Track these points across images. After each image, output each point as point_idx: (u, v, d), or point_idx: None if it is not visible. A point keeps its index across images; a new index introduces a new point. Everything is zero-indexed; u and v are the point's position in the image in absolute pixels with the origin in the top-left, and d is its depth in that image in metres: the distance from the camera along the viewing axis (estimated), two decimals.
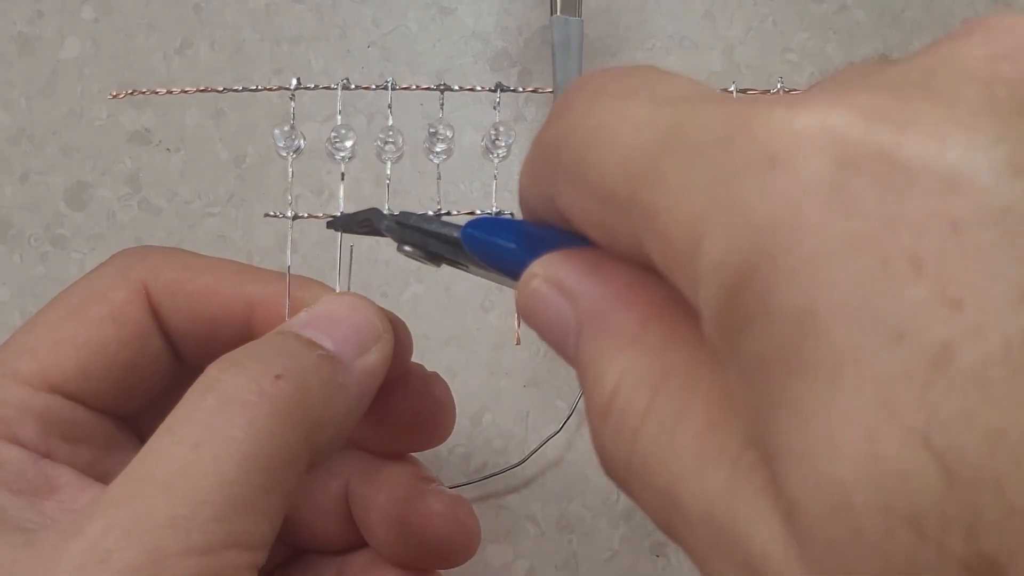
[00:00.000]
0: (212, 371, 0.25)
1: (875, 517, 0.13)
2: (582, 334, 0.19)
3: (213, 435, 0.24)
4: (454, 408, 0.34)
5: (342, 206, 0.29)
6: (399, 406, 0.31)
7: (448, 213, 0.29)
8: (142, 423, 0.30)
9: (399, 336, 0.29)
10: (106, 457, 0.29)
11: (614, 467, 0.18)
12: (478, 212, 0.30)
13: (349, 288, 0.30)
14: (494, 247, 0.23)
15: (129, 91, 0.31)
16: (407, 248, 0.27)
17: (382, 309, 0.29)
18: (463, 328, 0.45)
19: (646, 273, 0.18)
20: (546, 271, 0.20)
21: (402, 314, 0.45)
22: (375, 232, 0.28)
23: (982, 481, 0.12)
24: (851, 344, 0.13)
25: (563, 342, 0.20)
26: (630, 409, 0.17)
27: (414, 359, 0.44)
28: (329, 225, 0.30)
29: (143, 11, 0.48)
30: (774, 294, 0.14)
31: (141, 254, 0.30)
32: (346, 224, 0.29)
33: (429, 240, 0.26)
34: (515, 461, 0.43)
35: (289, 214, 0.30)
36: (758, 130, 0.14)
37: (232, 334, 0.30)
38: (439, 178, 0.29)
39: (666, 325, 0.18)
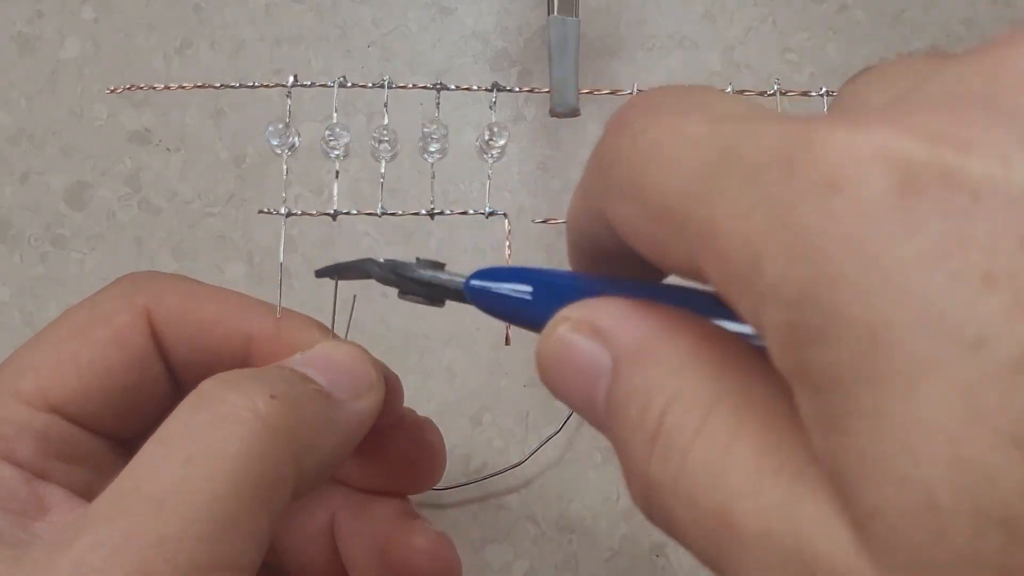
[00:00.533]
0: (207, 386, 0.25)
1: (963, 519, 0.12)
2: (620, 371, 0.19)
3: (205, 450, 0.24)
4: (444, 454, 0.34)
5: (336, 204, 0.29)
6: (390, 450, 0.32)
7: (442, 212, 0.29)
8: (138, 447, 0.30)
9: (391, 386, 0.30)
10: (102, 479, 0.28)
11: (658, 493, 0.17)
12: (471, 212, 0.30)
13: (347, 335, 0.31)
14: (505, 300, 0.23)
15: (127, 86, 0.31)
16: (409, 296, 0.27)
17: (376, 360, 0.29)
18: (463, 328, 0.45)
19: (683, 314, 0.18)
20: (579, 314, 0.19)
21: (402, 314, 0.45)
22: (366, 277, 0.28)
23: None
24: (928, 354, 0.13)
25: (591, 389, 0.19)
26: (681, 429, 0.17)
27: (414, 358, 0.44)
28: (318, 274, 0.30)
29: (143, 11, 0.48)
30: (844, 310, 0.14)
31: (146, 279, 0.30)
32: (336, 272, 0.29)
33: (430, 288, 0.26)
34: (515, 461, 0.43)
35: (283, 211, 0.30)
36: (818, 152, 0.14)
37: (230, 366, 0.30)
38: (433, 177, 0.29)
39: (716, 353, 0.17)
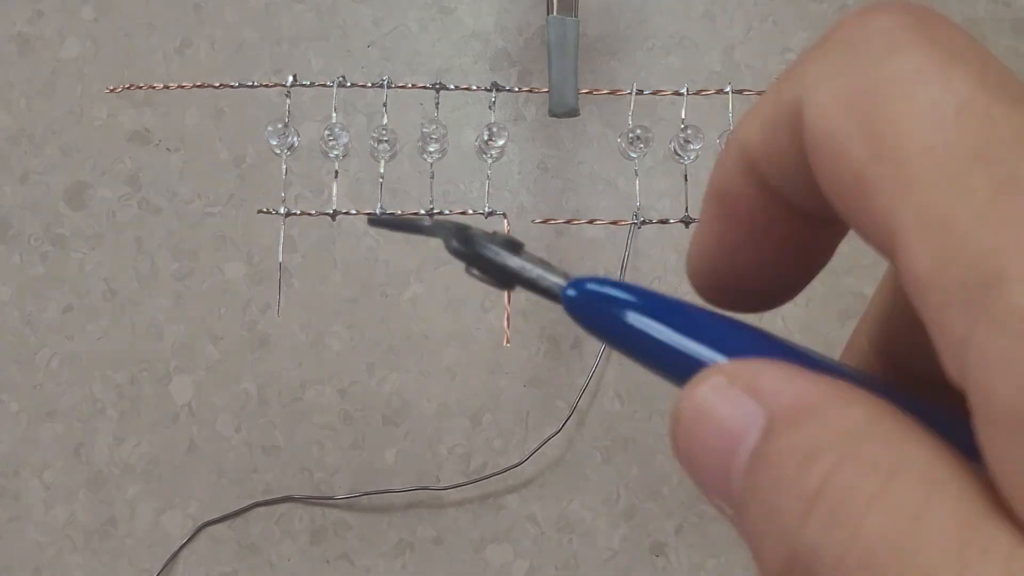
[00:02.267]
0: None
1: None
2: (775, 429, 0.16)
3: None
4: None
5: (335, 203, 0.29)
6: None
7: (441, 212, 0.29)
8: None
9: None
10: None
11: (810, 565, 0.15)
12: (470, 211, 0.30)
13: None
14: (619, 321, 0.18)
15: (127, 85, 0.31)
16: (475, 272, 0.25)
17: None
18: (463, 328, 0.45)
19: (854, 385, 0.16)
20: (735, 367, 0.17)
21: (402, 314, 0.45)
22: (418, 231, 0.26)
23: None
24: None
25: (732, 450, 0.17)
26: (855, 492, 0.15)
27: (414, 358, 0.44)
28: (371, 222, 0.28)
29: (143, 11, 0.48)
30: None
31: None
32: (394, 225, 0.27)
33: (506, 275, 0.23)
34: (515, 461, 0.43)
35: (282, 211, 0.30)
36: None
37: None
38: (432, 177, 0.29)
39: (895, 423, 0.15)
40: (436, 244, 0.46)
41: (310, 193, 0.45)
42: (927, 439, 0.15)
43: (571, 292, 0.19)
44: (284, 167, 0.29)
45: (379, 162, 0.28)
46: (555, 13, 0.35)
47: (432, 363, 0.45)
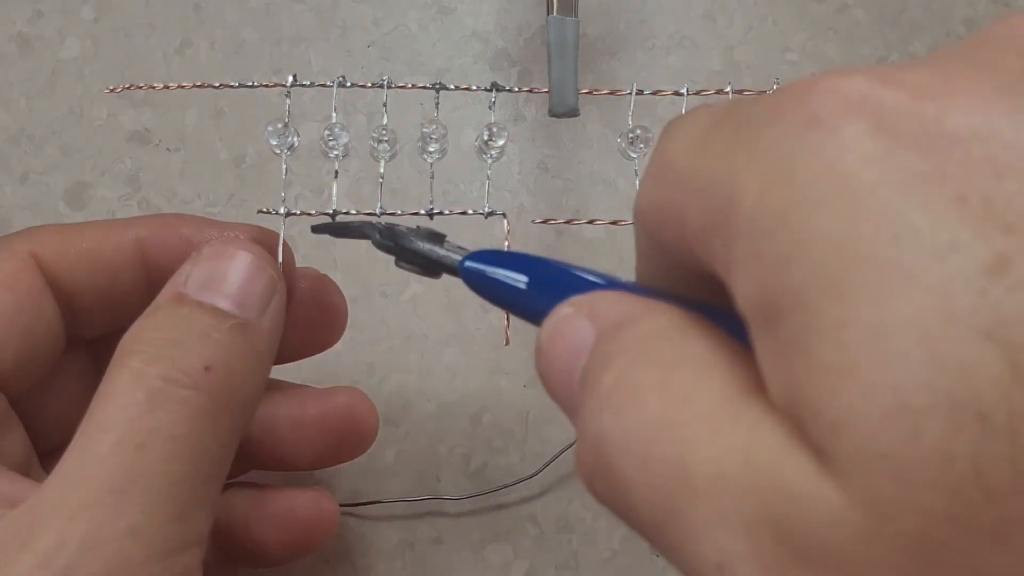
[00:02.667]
0: (133, 363, 0.25)
1: (937, 417, 0.13)
2: (598, 343, 0.19)
3: (155, 436, 0.23)
4: (345, 308, 0.34)
5: (335, 204, 0.29)
6: (289, 319, 0.31)
7: (441, 213, 0.29)
8: (26, 405, 0.30)
9: (284, 260, 0.29)
10: None
11: (607, 451, 0.17)
12: (470, 212, 0.30)
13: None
14: (498, 284, 0.23)
15: (127, 85, 0.32)
16: (403, 264, 0.27)
17: (261, 249, 0.28)
18: (463, 328, 0.45)
19: (675, 304, 0.19)
20: (580, 298, 0.20)
21: (402, 314, 0.45)
22: (363, 238, 0.28)
23: None
24: (900, 262, 0.13)
25: (572, 368, 0.19)
26: (640, 385, 0.17)
27: (414, 358, 0.44)
28: (314, 229, 0.29)
29: (143, 11, 0.48)
30: (815, 229, 0.14)
31: (19, 231, 0.30)
32: (333, 231, 0.29)
33: (427, 261, 0.26)
34: (515, 460, 0.43)
35: (282, 211, 0.30)
36: (804, 97, 0.15)
37: (130, 278, 0.29)
38: (432, 177, 0.29)
39: (691, 328, 0.18)
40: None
41: (310, 193, 0.45)
42: (712, 337, 0.17)
43: (465, 263, 0.23)
44: (284, 167, 0.29)
45: (379, 162, 0.28)
46: (555, 13, 0.35)
47: (432, 363, 0.45)
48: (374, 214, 0.30)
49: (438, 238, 0.26)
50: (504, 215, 0.30)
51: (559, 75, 0.33)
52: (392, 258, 0.27)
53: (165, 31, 0.48)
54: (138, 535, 0.22)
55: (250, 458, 0.33)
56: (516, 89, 0.31)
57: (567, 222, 0.34)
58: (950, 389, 0.13)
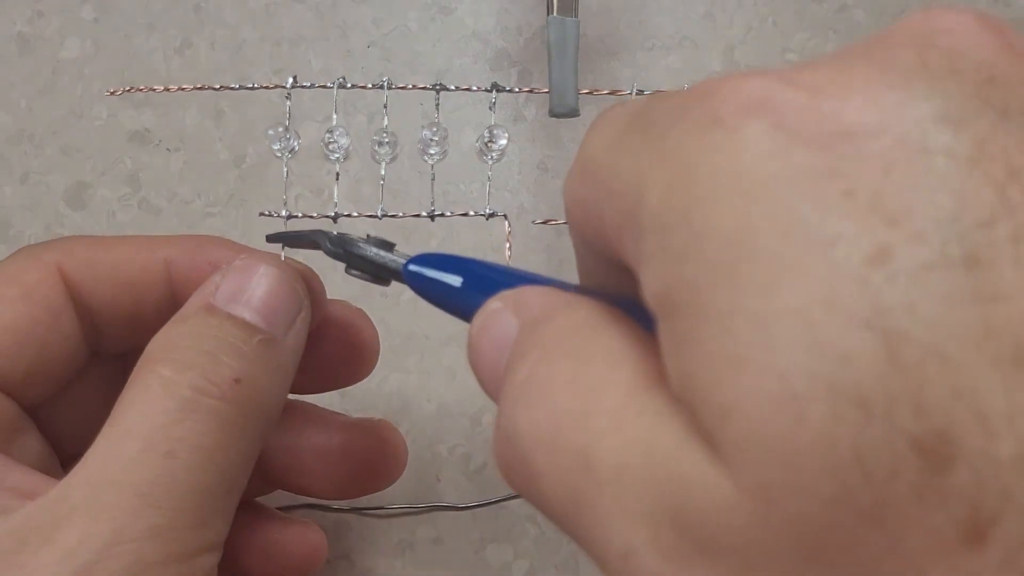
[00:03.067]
0: (164, 370, 0.25)
1: (819, 402, 0.13)
2: (519, 336, 0.19)
3: (183, 444, 0.24)
4: (377, 342, 0.34)
5: (337, 206, 0.29)
6: (318, 350, 0.31)
7: (442, 215, 0.29)
8: (43, 413, 0.30)
9: (312, 287, 0.30)
10: (10, 442, 0.28)
11: (519, 439, 0.18)
12: (471, 213, 0.30)
13: None
14: (436, 285, 0.24)
15: (127, 88, 0.32)
16: (354, 272, 0.27)
17: (293, 265, 0.29)
18: (463, 328, 0.44)
19: (598, 299, 0.19)
20: (509, 293, 0.20)
21: (402, 314, 0.45)
22: (317, 248, 0.28)
23: (927, 359, 0.13)
24: (786, 252, 0.14)
25: (498, 360, 0.20)
26: (551, 377, 0.17)
27: (414, 358, 0.44)
28: (270, 239, 0.30)
29: (143, 11, 0.48)
30: (711, 224, 0.14)
31: (51, 242, 0.31)
32: (287, 240, 0.29)
33: (374, 266, 0.27)
34: None
35: (284, 213, 0.30)
36: (708, 97, 0.15)
37: (155, 297, 0.30)
38: (433, 179, 0.29)
39: (608, 323, 0.18)
40: (436, 244, 0.47)
41: (310, 193, 0.45)
42: (626, 331, 0.17)
43: (408, 267, 0.24)
44: (285, 170, 0.29)
45: (380, 164, 0.28)
46: (555, 13, 0.35)
47: (432, 363, 0.45)
48: (375, 216, 0.30)
49: (387, 246, 0.27)
50: (505, 216, 0.30)
51: (559, 75, 0.33)
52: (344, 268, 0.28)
53: (165, 31, 0.48)
54: (159, 538, 0.23)
55: (273, 482, 0.33)
56: (517, 90, 0.31)
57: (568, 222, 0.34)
58: (832, 376, 0.13)
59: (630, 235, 0.16)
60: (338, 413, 0.35)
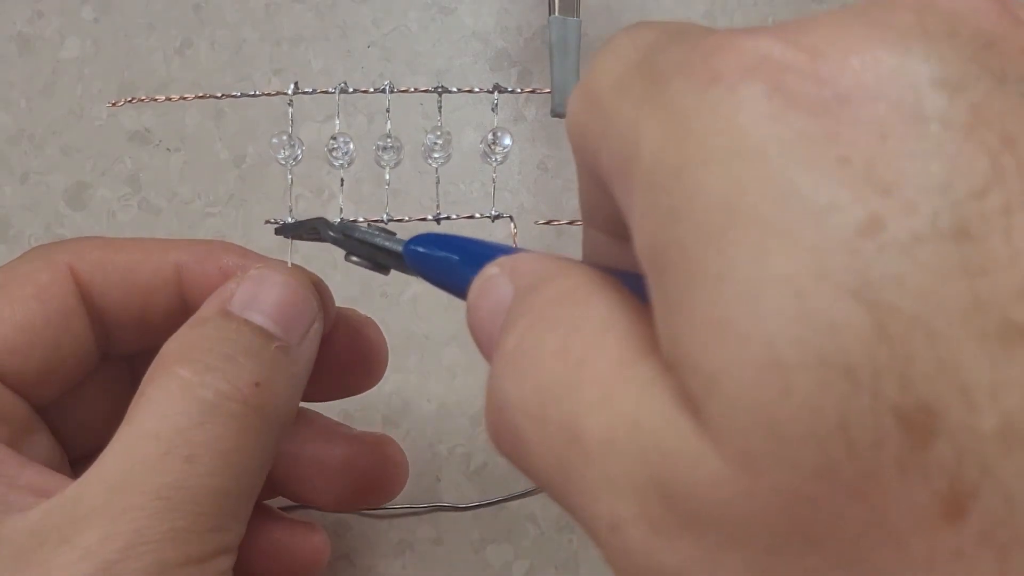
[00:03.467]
0: (183, 372, 0.25)
1: (806, 371, 0.13)
2: (513, 300, 0.19)
3: (204, 449, 0.24)
4: (386, 350, 0.34)
5: (342, 211, 0.30)
6: (328, 357, 0.31)
7: (448, 217, 0.29)
8: (53, 413, 0.30)
9: (322, 296, 0.30)
10: (21, 441, 0.28)
11: (509, 410, 0.18)
12: (477, 215, 0.30)
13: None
14: (436, 262, 0.24)
15: (128, 98, 0.32)
16: (354, 258, 0.28)
17: (307, 274, 0.29)
18: (463, 328, 0.44)
19: (590, 266, 0.19)
20: (505, 259, 0.20)
21: (402, 314, 0.45)
22: (321, 240, 0.29)
23: (913, 332, 0.13)
24: (779, 219, 0.13)
25: (494, 324, 0.20)
26: (539, 347, 0.17)
27: (414, 358, 0.44)
28: (277, 231, 0.30)
29: (143, 11, 0.48)
30: (705, 185, 0.14)
31: (64, 242, 0.31)
32: (293, 231, 0.30)
33: (374, 251, 0.27)
34: None
35: (289, 220, 0.30)
36: (709, 56, 0.15)
37: (165, 301, 0.30)
38: (438, 182, 0.29)
39: (598, 289, 0.18)
40: None
41: (310, 193, 0.45)
42: (617, 298, 0.17)
43: (409, 245, 0.24)
44: (290, 178, 0.29)
45: (385, 170, 0.28)
46: (556, 13, 0.35)
47: (432, 363, 0.45)
48: (381, 221, 0.30)
49: (389, 234, 0.27)
50: (511, 218, 0.30)
51: (561, 75, 0.34)
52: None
53: (165, 31, 0.48)
54: (179, 540, 0.23)
55: (272, 488, 0.33)
56: (518, 90, 0.31)
57: (570, 223, 0.34)
58: (819, 345, 0.13)
59: (624, 184, 0.16)
60: (342, 424, 0.35)
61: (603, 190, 0.19)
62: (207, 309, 0.27)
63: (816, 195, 0.13)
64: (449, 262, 0.23)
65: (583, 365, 0.16)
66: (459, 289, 0.23)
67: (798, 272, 0.13)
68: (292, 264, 0.29)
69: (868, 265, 0.13)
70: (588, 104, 0.18)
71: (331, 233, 0.28)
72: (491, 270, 0.20)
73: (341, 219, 0.28)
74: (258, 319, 0.27)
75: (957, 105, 0.13)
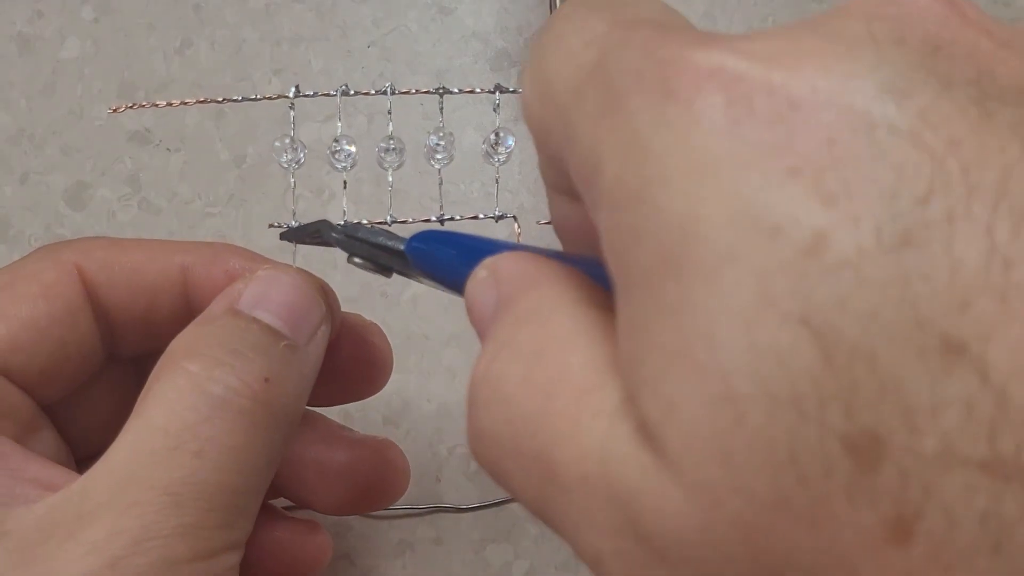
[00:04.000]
0: (192, 367, 0.25)
1: (757, 403, 0.13)
2: (489, 319, 0.19)
3: (213, 444, 0.24)
4: (391, 355, 0.34)
5: (344, 213, 0.30)
6: (333, 361, 0.31)
7: (452, 218, 0.29)
8: (59, 412, 0.30)
9: (329, 300, 0.30)
10: (26, 437, 0.28)
11: (486, 442, 0.18)
12: (481, 216, 0.30)
13: None
14: (438, 259, 0.24)
15: (129, 104, 0.32)
16: (356, 260, 0.27)
17: (314, 277, 0.29)
18: (463, 328, 0.45)
19: (568, 267, 0.19)
20: (490, 260, 0.20)
21: (402, 314, 0.45)
22: (325, 243, 0.29)
23: (856, 358, 0.12)
24: (730, 244, 0.13)
25: (483, 329, 0.20)
26: (507, 378, 0.17)
27: (414, 358, 0.44)
28: (282, 236, 0.30)
29: (143, 11, 0.48)
30: (663, 206, 0.14)
31: (70, 241, 0.31)
32: (298, 235, 0.30)
33: (377, 252, 0.27)
34: None
35: (293, 223, 0.30)
36: (665, 67, 0.15)
37: (170, 302, 0.30)
38: (440, 183, 0.29)
39: (561, 304, 0.18)
40: None
41: (310, 193, 0.45)
42: (587, 310, 0.17)
43: (411, 243, 0.24)
44: (293, 181, 0.29)
45: (388, 171, 0.28)
46: None
47: (432, 363, 0.45)
48: (384, 223, 0.30)
49: (393, 236, 0.27)
50: (515, 218, 0.30)
51: None
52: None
53: (165, 31, 0.48)
54: (186, 536, 0.23)
55: (273, 489, 0.33)
56: (520, 90, 0.31)
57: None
58: (767, 376, 0.13)
59: (590, 195, 0.16)
60: (345, 428, 0.35)
61: (562, 168, 0.19)
62: (215, 308, 0.27)
63: (766, 213, 0.13)
64: (449, 258, 0.23)
65: (549, 395, 0.16)
66: (460, 287, 0.23)
67: (748, 299, 0.13)
68: (297, 267, 0.29)
69: (813, 288, 0.13)
70: (546, 102, 0.18)
71: (334, 235, 0.28)
72: (480, 273, 0.20)
73: (344, 221, 0.28)
74: (267, 318, 0.27)
75: (904, 110, 0.13)
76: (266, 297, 0.28)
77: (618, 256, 0.15)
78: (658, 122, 0.15)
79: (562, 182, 0.20)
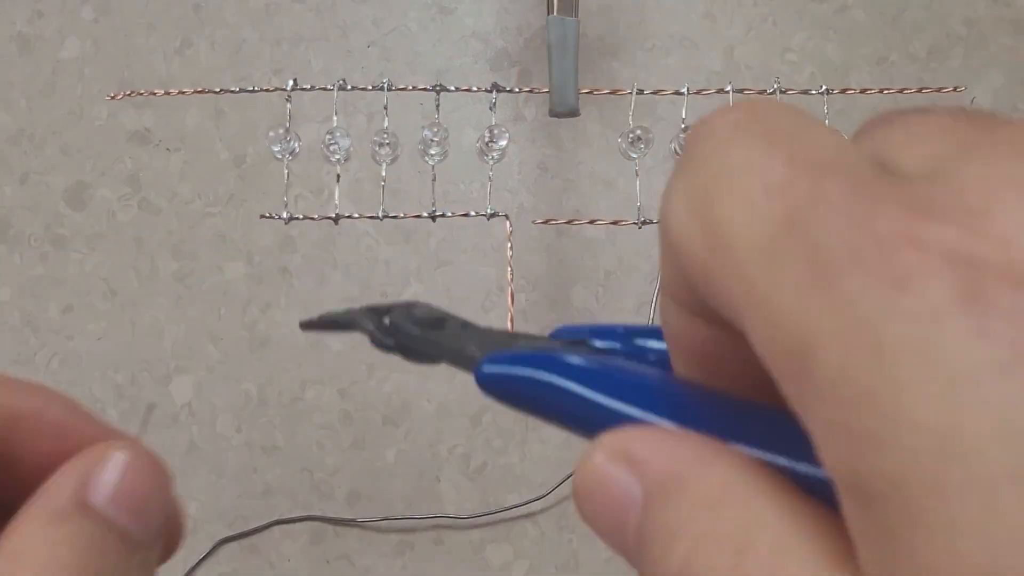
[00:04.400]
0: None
1: None
2: (649, 505, 0.17)
3: None
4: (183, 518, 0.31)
5: (338, 207, 0.29)
6: None
7: (443, 215, 0.29)
8: None
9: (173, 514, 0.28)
10: None
11: None
12: (472, 213, 0.30)
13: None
14: (522, 386, 0.20)
15: (127, 92, 0.31)
16: (394, 350, 0.22)
17: (159, 461, 0.26)
18: None
19: (721, 443, 0.17)
20: (613, 442, 0.18)
21: None
22: (354, 331, 0.23)
23: None
24: (1008, 463, 0.12)
25: (622, 522, 0.18)
26: (710, 571, 0.16)
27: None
28: (303, 326, 0.24)
29: (143, 11, 0.48)
30: (909, 415, 0.13)
31: None
32: (324, 325, 0.24)
33: (427, 349, 0.21)
34: (515, 460, 0.43)
35: (285, 216, 0.30)
36: (884, 246, 0.14)
37: None
38: (434, 180, 0.29)
39: (753, 487, 0.16)
40: (435, 244, 0.47)
41: (310, 193, 0.45)
42: (780, 496, 0.16)
43: (484, 369, 0.19)
44: (286, 172, 0.29)
45: (381, 165, 0.28)
46: (555, 13, 0.35)
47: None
48: (376, 217, 0.29)
49: (438, 323, 0.22)
50: (507, 216, 0.30)
51: (560, 75, 0.33)
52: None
53: (165, 31, 0.48)
54: None
55: None
56: (517, 90, 0.31)
57: (568, 222, 0.34)
58: None
59: (792, 381, 0.14)
60: None
61: (689, 282, 0.17)
62: (63, 497, 0.24)
63: None
64: (567, 396, 0.19)
65: None
66: (568, 421, 0.19)
67: None
68: (141, 444, 0.26)
69: None
70: (717, 250, 0.16)
71: (379, 334, 0.22)
72: (598, 458, 0.18)
73: (368, 306, 0.21)
74: (124, 520, 0.24)
75: None
76: (123, 492, 0.24)
77: (850, 460, 0.14)
78: (889, 314, 0.13)
79: (690, 300, 0.18)
